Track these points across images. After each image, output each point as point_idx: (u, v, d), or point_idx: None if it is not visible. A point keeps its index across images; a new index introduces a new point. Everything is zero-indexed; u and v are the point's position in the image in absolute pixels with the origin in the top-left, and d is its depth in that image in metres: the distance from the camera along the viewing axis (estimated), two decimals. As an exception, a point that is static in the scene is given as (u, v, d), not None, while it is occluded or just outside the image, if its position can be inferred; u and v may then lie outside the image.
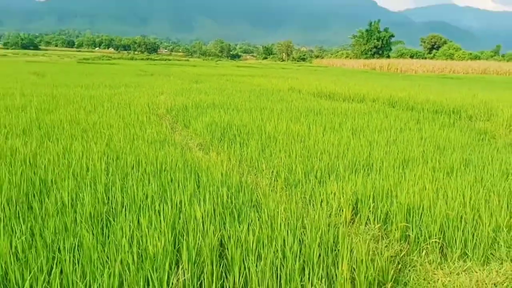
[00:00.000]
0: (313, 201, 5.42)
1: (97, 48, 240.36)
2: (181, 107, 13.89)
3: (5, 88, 18.95)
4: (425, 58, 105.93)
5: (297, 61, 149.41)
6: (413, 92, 20.74)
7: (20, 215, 4.37)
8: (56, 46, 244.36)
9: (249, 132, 9.77)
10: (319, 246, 4.05)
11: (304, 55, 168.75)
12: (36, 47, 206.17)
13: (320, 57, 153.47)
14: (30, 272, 3.22)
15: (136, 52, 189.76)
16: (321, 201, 5.28)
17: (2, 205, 4.55)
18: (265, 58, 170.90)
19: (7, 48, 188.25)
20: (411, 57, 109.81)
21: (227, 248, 3.98)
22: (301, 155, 7.50)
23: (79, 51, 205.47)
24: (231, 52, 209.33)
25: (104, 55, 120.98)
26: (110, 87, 22.35)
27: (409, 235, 4.63)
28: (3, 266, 3.27)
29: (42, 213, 4.42)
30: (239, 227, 4.30)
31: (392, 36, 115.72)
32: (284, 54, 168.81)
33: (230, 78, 34.53)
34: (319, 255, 3.92)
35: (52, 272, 3.32)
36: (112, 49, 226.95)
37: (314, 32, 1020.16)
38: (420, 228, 4.66)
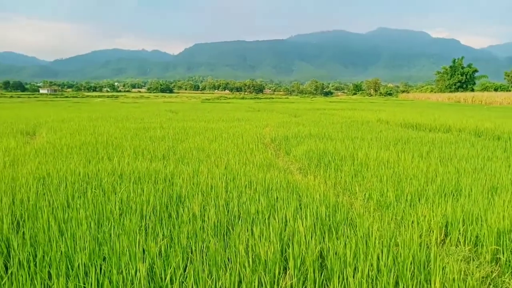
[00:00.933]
0: (404, 222, 5.12)
1: (216, 90, 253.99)
2: (283, 137, 14.08)
3: (149, 123, 20.77)
4: (510, 90, 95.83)
5: (384, 95, 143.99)
6: (499, 122, 18.86)
7: (162, 221, 4.72)
8: (186, 89, 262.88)
9: (342, 159, 9.58)
10: (411, 263, 3.80)
11: (390, 90, 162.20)
12: (170, 91, 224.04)
13: (406, 91, 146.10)
14: (170, 268, 3.43)
15: (246, 93, 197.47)
16: (412, 222, 4.97)
17: (149, 214, 4.94)
18: (355, 94, 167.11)
19: (150, 92, 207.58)
20: (495, 90, 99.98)
21: (327, 259, 3.90)
22: (392, 180, 7.15)
23: (203, 93, 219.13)
24: (324, 90, 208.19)
25: (222, 96, 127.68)
26: (226, 121, 23.43)
27: (499, 257, 4.16)
28: (150, 262, 3.53)
29: (178, 221, 4.72)
30: (337, 241, 4.20)
31: (476, 71, 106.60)
32: (372, 90, 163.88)
33: (323, 112, 34.30)
34: (412, 271, 3.68)
35: (187, 269, 3.51)
36: (228, 91, 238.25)
37: (399, 70, 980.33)
38: (511, 251, 4.17)
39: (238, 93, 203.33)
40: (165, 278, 3.33)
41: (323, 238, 4.42)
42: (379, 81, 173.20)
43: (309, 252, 3.86)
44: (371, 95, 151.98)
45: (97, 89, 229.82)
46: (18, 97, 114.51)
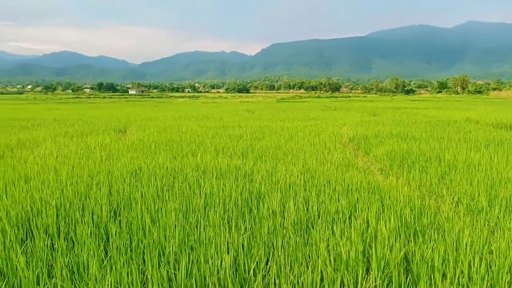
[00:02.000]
0: (499, 229, 4.72)
1: (291, 89, 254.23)
2: (361, 136, 13.68)
3: (228, 122, 21.45)
4: None
5: (472, 93, 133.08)
6: None
7: (244, 216, 4.86)
8: (261, 89, 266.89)
9: (427, 160, 9.06)
10: (507, 273, 3.50)
11: (480, 88, 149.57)
12: (247, 91, 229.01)
13: (498, 89, 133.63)
14: (253, 261, 3.53)
15: (321, 92, 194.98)
16: (509, 229, 4.55)
17: (231, 208, 5.12)
18: (439, 92, 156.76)
19: (228, 92, 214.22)
20: None
21: (413, 263, 3.73)
22: (484, 184, 6.61)
23: (278, 92, 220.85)
24: (405, 88, 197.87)
25: (297, 95, 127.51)
26: (302, 120, 23.36)
27: None
28: (234, 254, 3.66)
29: (259, 216, 4.83)
30: (424, 245, 3.99)
31: None
32: (459, 87, 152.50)
33: (405, 111, 32.67)
34: (509, 282, 3.38)
35: (269, 263, 3.59)
36: (303, 90, 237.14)
37: (490, 66, 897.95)
38: None
39: (313, 92, 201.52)
40: (249, 271, 3.43)
41: (408, 241, 4.24)
42: (467, 78, 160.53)
43: (393, 255, 3.72)
44: (458, 93, 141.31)
45: (179, 90, 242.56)
46: (110, 97, 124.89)
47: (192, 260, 3.58)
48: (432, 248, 3.89)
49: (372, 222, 4.60)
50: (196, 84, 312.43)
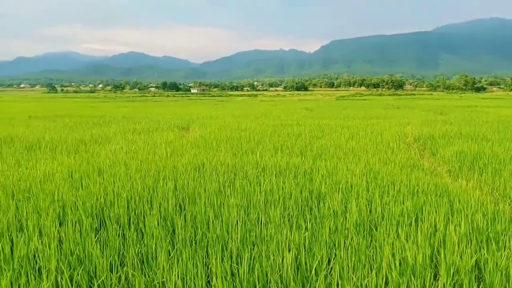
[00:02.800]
0: None
1: (352, 87, 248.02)
2: (427, 136, 13.03)
3: (286, 120, 21.45)
4: None
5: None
6: None
7: (304, 215, 4.85)
8: (320, 87, 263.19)
9: (501, 162, 8.44)
10: None
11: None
12: (305, 89, 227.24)
13: None
14: (314, 260, 3.51)
15: (383, 89, 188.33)
16: None
17: (291, 206, 5.13)
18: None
19: (286, 90, 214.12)
20: None
21: (485, 271, 3.50)
22: None
23: (337, 90, 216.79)
24: (475, 85, 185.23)
25: (357, 93, 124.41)
26: (363, 118, 22.75)
27: None
28: (295, 252, 3.66)
29: (319, 216, 4.79)
30: (498, 253, 3.73)
31: None
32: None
33: (475, 109, 30.64)
34: None
35: (331, 263, 3.55)
36: (364, 87, 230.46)
37: None
38: None
39: (375, 89, 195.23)
40: (310, 270, 3.41)
41: (480, 248, 3.98)
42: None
43: (464, 261, 3.52)
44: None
45: (238, 88, 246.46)
46: (173, 96, 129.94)
47: (254, 256, 3.64)
48: (507, 257, 3.63)
49: (440, 226, 4.38)
50: (255, 83, 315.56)
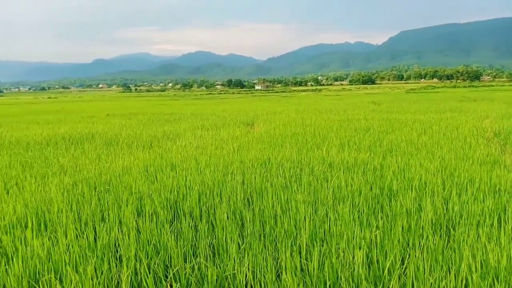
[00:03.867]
0: None
1: (423, 79, 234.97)
2: (509, 130, 11.98)
3: (352, 114, 20.89)
4: None
5: None
6: None
7: (374, 212, 4.69)
8: (388, 80, 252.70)
9: None
10: None
11: None
12: (373, 82, 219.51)
13: None
14: (388, 260, 3.39)
15: (458, 81, 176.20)
16: None
17: (361, 203, 4.98)
18: None
19: (352, 84, 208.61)
20: None
21: None
22: None
23: (407, 83, 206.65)
24: None
25: (429, 85, 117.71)
26: (436, 112, 21.48)
27: None
28: (366, 250, 3.55)
29: (391, 214, 4.61)
30: None
31: None
32: None
33: None
34: None
35: (405, 262, 3.40)
36: (436, 79, 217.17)
37: None
38: None
39: (448, 81, 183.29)
40: (383, 269, 3.30)
41: None
42: None
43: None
44: None
45: (302, 84, 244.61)
46: (238, 93, 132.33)
47: (323, 253, 3.59)
48: None
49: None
50: (319, 77, 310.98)
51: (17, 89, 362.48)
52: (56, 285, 3.40)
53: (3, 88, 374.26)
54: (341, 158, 7.86)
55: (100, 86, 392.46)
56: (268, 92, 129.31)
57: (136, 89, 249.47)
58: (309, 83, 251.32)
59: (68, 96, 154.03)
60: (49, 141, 12.60)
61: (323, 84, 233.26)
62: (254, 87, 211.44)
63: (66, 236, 4.26)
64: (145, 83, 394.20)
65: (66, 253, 3.83)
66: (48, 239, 4.22)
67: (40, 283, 3.47)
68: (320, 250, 3.62)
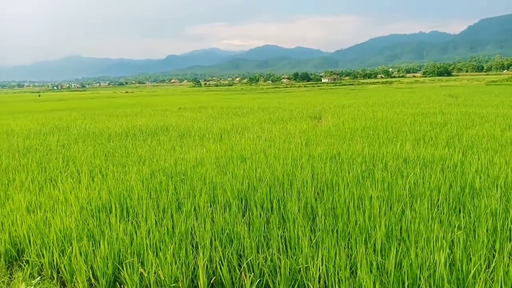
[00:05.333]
0: None
1: (505, 70, 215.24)
2: None
3: (427, 108, 19.76)
4: None
5: None
6: None
7: (455, 211, 4.40)
8: (466, 71, 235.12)
9: None
10: None
11: None
12: (449, 74, 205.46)
13: None
14: (473, 264, 3.16)
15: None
16: None
17: (441, 202, 4.70)
18: None
19: (425, 76, 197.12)
20: None
21: None
22: None
23: (487, 74, 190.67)
24: None
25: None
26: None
27: None
28: (448, 252, 3.34)
29: (475, 214, 4.29)
30: None
31: None
32: None
33: None
34: None
35: (492, 266, 3.15)
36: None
37: None
38: None
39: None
40: (467, 272, 3.08)
41: None
42: None
43: None
44: None
45: (372, 76, 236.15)
46: (304, 86, 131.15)
47: (400, 251, 3.44)
48: None
49: None
50: (390, 69, 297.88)
51: (98, 84, 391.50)
52: (138, 268, 3.63)
53: (86, 83, 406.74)
54: (417, 154, 7.47)
55: (172, 81, 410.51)
56: (335, 85, 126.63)
57: (205, 84, 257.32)
58: (379, 75, 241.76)
59: (143, 91, 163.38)
60: (128, 132, 13.45)
61: (394, 77, 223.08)
62: (321, 80, 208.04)
63: (146, 222, 4.52)
64: (213, 78, 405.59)
65: (147, 238, 4.06)
66: (130, 224, 4.51)
67: (124, 265, 3.72)
68: (396, 248, 3.48)
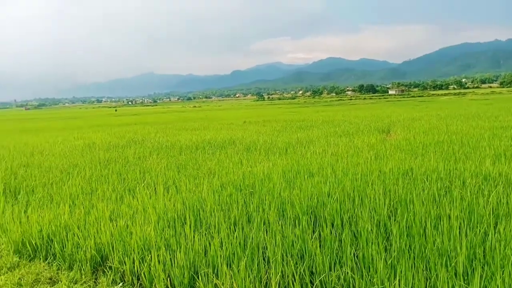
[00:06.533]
0: None
1: None
2: None
3: (507, 121, 18.29)
4: None
5: None
6: None
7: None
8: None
9: None
10: None
11: None
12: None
13: None
14: None
15: None
16: None
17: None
18: None
19: (503, 87, 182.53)
20: None
21: None
22: None
23: None
24: None
25: None
26: None
27: None
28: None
29: None
30: None
31: None
32: None
33: None
34: None
35: None
36: None
37: None
38: None
39: None
40: None
41: None
42: None
43: None
44: None
45: (443, 87, 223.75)
46: (370, 98, 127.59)
47: (484, 277, 3.20)
48: None
49: None
50: (463, 80, 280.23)
51: (168, 99, 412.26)
52: (213, 279, 3.74)
53: (157, 98, 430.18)
54: (498, 171, 6.94)
55: (237, 95, 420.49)
56: (403, 97, 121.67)
57: (268, 97, 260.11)
58: (451, 86, 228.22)
59: (210, 105, 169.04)
60: (197, 145, 13.98)
61: (467, 87, 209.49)
62: (388, 92, 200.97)
63: (219, 234, 4.65)
64: (277, 91, 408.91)
65: (220, 249, 4.18)
66: (204, 235, 4.67)
67: (199, 275, 3.85)
68: (480, 273, 3.24)
